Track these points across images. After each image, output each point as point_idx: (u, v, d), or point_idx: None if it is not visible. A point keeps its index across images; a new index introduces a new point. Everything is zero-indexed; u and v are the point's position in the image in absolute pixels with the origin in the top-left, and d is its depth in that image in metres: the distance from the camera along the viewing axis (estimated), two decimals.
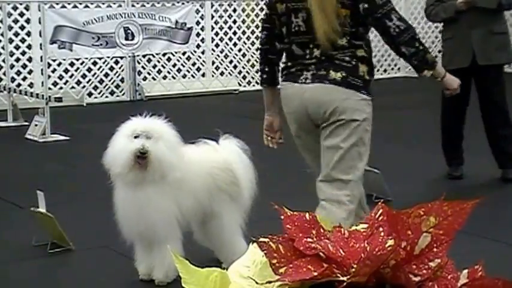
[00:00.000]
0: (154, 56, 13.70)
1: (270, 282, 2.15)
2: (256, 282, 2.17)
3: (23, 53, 12.79)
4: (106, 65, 13.39)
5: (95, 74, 13.31)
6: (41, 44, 11.90)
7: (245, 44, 14.50)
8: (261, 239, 2.21)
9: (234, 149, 5.25)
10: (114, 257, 5.68)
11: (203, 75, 14.21)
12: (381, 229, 2.24)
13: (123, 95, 13.52)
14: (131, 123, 5.00)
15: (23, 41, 12.77)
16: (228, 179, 5.18)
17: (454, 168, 7.77)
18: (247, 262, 2.27)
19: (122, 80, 13.54)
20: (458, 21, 7.45)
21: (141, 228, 5.02)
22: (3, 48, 12.16)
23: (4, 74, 12.17)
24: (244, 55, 14.45)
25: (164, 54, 13.79)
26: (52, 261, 5.71)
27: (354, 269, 2.14)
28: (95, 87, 13.38)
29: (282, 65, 4.72)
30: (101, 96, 13.40)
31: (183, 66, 13.99)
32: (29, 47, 12.82)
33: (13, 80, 12.45)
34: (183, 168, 5.04)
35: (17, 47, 12.72)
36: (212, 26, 14.22)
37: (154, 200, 4.96)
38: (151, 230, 4.99)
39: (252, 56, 14.49)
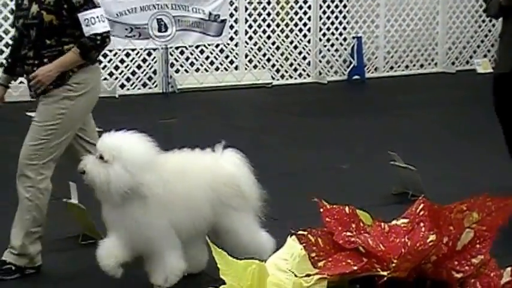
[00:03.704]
0: (187, 48, 13.67)
1: (308, 275, 2.12)
2: (295, 275, 2.14)
3: None
4: (139, 57, 13.38)
5: (127, 65, 13.32)
6: None
7: (279, 37, 14.45)
8: (300, 232, 2.18)
9: (236, 162, 5.10)
10: None
11: (236, 68, 14.16)
12: (421, 224, 2.20)
13: (155, 87, 13.51)
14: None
15: None
16: (232, 193, 5.05)
17: None
18: (285, 255, 2.25)
19: (155, 72, 13.52)
20: (507, 21, 6.78)
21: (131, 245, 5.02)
22: None
23: None
24: (278, 48, 14.38)
25: (197, 47, 13.77)
26: (83, 252, 5.72)
27: (394, 264, 2.11)
28: (128, 79, 13.38)
29: None
30: (133, 88, 13.40)
31: (216, 58, 13.96)
32: None
33: None
34: (165, 183, 4.89)
35: None
36: (246, 19, 14.17)
37: (136, 219, 4.90)
38: (138, 247, 4.99)
39: (286, 49, 14.45)
